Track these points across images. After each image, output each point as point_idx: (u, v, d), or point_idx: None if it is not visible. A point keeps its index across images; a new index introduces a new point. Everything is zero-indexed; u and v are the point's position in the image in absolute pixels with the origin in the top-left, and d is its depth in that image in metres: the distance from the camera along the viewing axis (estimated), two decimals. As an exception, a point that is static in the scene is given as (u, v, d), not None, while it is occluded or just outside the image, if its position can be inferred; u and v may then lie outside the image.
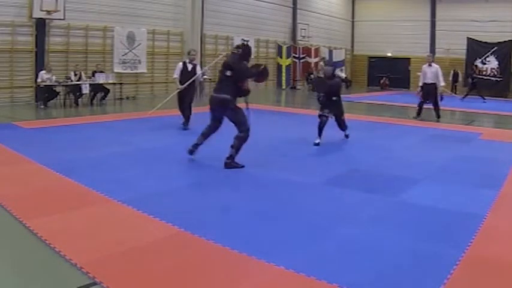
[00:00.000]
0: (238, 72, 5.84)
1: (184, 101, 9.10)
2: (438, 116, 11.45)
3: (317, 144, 7.58)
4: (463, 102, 17.00)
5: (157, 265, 3.11)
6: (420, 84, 11.57)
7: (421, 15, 24.15)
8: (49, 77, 11.86)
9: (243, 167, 5.90)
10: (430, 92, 11.32)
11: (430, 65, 11.44)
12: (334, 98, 7.78)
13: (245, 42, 6.85)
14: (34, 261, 3.16)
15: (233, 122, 5.96)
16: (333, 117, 7.86)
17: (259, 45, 20.66)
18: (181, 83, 9.00)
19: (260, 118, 11.50)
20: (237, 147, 5.89)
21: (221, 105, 5.91)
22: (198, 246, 3.45)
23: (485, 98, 18.54)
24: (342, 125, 8.06)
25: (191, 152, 6.15)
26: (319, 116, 7.78)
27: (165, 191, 4.93)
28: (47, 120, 9.88)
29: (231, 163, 5.89)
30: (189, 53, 9.58)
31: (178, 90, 9.11)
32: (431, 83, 11.25)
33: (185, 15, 16.74)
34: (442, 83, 11.50)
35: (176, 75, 9.13)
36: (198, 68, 9.32)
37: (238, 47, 6.32)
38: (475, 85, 18.88)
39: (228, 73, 5.87)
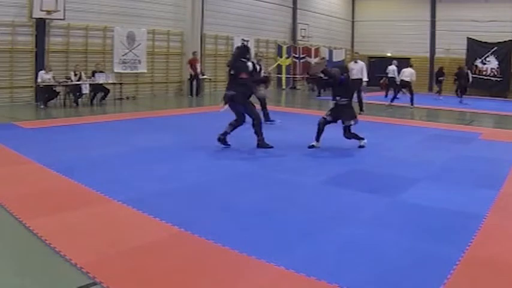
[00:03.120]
0: (236, 69, 6.94)
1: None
2: (361, 109, 12.08)
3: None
4: (462, 103, 16.95)
5: (157, 265, 3.11)
6: None
7: (421, 15, 24.13)
8: (49, 77, 11.85)
9: (272, 147, 7.05)
10: (355, 87, 11.65)
11: (356, 62, 12.61)
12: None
13: (244, 43, 7.91)
14: (34, 261, 3.16)
15: (247, 114, 7.07)
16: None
17: (259, 45, 20.63)
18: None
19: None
20: (257, 131, 7.05)
21: (231, 100, 6.95)
22: (198, 246, 3.45)
23: (482, 97, 18.58)
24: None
25: (220, 140, 6.99)
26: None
27: (165, 191, 4.92)
28: (47, 120, 9.87)
29: (261, 143, 7.07)
30: (256, 55, 11.25)
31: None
32: (357, 79, 11.90)
33: (185, 15, 16.74)
34: (365, 78, 12.45)
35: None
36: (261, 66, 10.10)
37: (237, 48, 7.52)
38: (461, 83, 18.51)
39: (232, 72, 7.04)
